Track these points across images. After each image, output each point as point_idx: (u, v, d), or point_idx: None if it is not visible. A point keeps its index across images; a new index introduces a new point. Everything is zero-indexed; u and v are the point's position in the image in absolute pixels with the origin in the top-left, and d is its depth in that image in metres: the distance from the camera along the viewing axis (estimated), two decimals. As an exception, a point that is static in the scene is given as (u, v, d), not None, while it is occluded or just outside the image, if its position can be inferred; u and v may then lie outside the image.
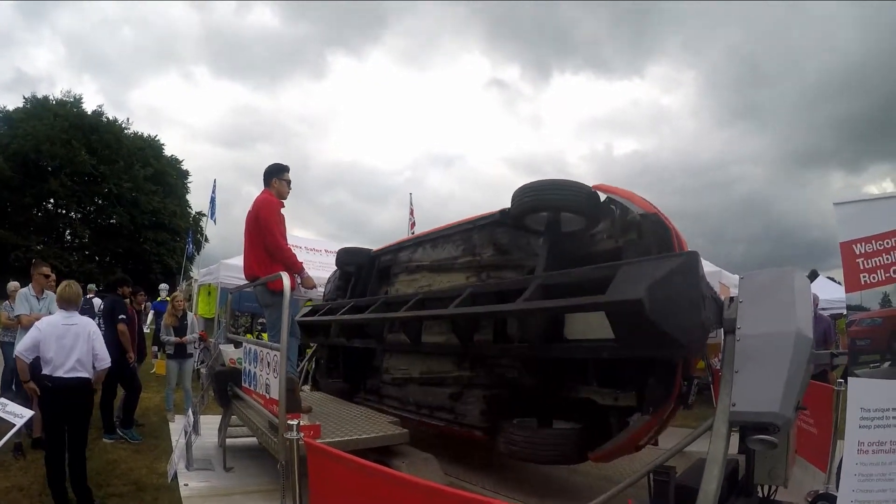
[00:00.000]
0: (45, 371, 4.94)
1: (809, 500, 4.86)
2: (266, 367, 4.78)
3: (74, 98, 42.10)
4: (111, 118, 43.36)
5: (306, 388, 8.10)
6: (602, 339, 3.72)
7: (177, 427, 7.62)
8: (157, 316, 12.98)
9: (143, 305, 11.31)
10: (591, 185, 4.30)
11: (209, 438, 6.93)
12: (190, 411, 6.48)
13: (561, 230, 4.49)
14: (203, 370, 10.42)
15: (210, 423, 7.27)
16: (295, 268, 5.53)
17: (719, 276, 9.61)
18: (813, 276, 18.19)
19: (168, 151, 46.75)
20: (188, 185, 47.64)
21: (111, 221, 41.53)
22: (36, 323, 5.29)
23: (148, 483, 5.76)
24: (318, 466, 3.25)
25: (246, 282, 6.17)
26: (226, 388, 6.35)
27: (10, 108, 39.57)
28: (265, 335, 7.76)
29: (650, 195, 4.09)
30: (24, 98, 40.57)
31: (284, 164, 5.95)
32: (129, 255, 41.30)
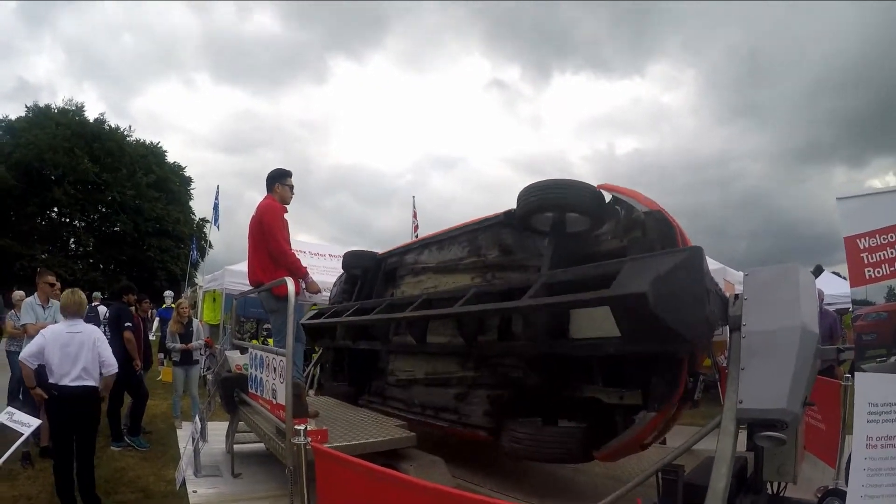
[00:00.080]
0: (51, 380, 4.95)
1: (819, 495, 4.83)
2: (272, 372, 4.78)
3: (76, 106, 42.25)
4: (113, 126, 43.52)
5: (312, 392, 8.10)
6: (607, 337, 3.72)
7: (184, 434, 7.63)
8: (163, 323, 12.99)
9: (148, 313, 11.33)
10: (595, 184, 4.31)
11: (217, 445, 6.94)
12: (197, 418, 6.49)
13: (566, 230, 4.50)
14: (209, 376, 10.42)
15: (217, 430, 7.28)
16: (299, 273, 5.53)
17: (723, 274, 9.59)
18: (818, 271, 18.18)
19: (170, 158, 46.92)
20: (191, 191, 47.76)
21: (115, 229, 41.62)
22: (41, 330, 5.31)
23: (156, 490, 5.77)
24: (326, 471, 3.25)
25: (251, 287, 6.18)
26: (232, 394, 6.36)
27: (13, 117, 39.73)
28: (271, 340, 7.77)
29: (652, 193, 4.11)
30: (27, 107, 40.73)
31: (287, 169, 5.96)
32: (134, 263, 41.37)
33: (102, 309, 10.21)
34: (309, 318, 7.68)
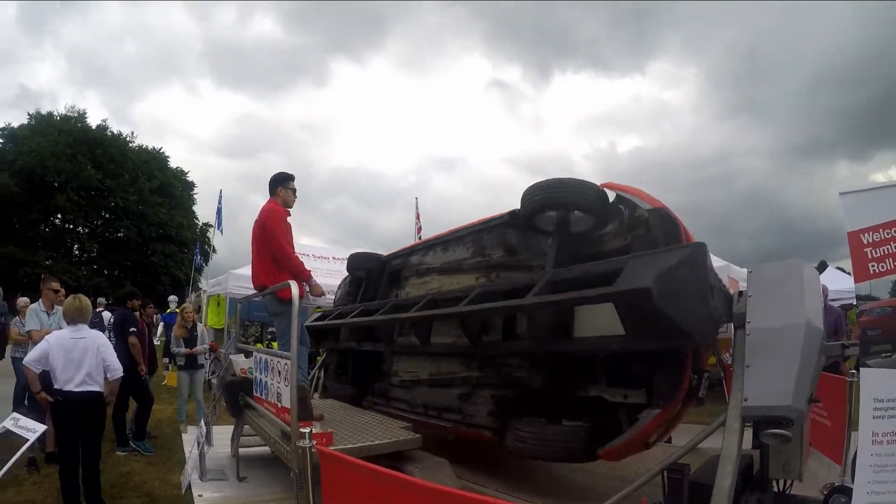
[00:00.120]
0: (56, 386, 4.97)
1: (825, 492, 4.81)
2: (277, 375, 4.79)
3: (78, 113, 42.47)
4: (115, 132, 43.80)
5: (317, 395, 8.10)
6: (611, 335, 3.72)
7: (189, 438, 7.64)
8: (167, 328, 13.02)
9: (152, 318, 11.36)
10: (598, 183, 4.32)
11: (222, 449, 6.94)
12: (202, 422, 6.50)
13: (570, 230, 4.50)
14: (214, 380, 10.45)
15: (222, 434, 7.28)
16: (303, 276, 5.54)
17: (727, 271, 9.56)
18: (822, 267, 18.04)
19: (173, 163, 47.08)
20: (194, 196, 47.92)
21: (119, 235, 41.78)
22: (46, 336, 5.33)
23: (162, 495, 5.78)
24: (331, 474, 3.25)
25: (254, 291, 6.18)
26: (237, 397, 6.37)
27: (15, 124, 39.91)
28: (275, 344, 7.78)
29: (653, 191, 4.11)
30: (29, 114, 40.96)
31: (289, 172, 5.97)
32: (138, 268, 41.47)
33: (107, 314, 10.23)
34: (314, 320, 7.69)
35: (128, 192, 40.57)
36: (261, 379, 5.43)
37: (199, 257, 28.59)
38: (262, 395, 5.40)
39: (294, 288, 4.47)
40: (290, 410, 4.16)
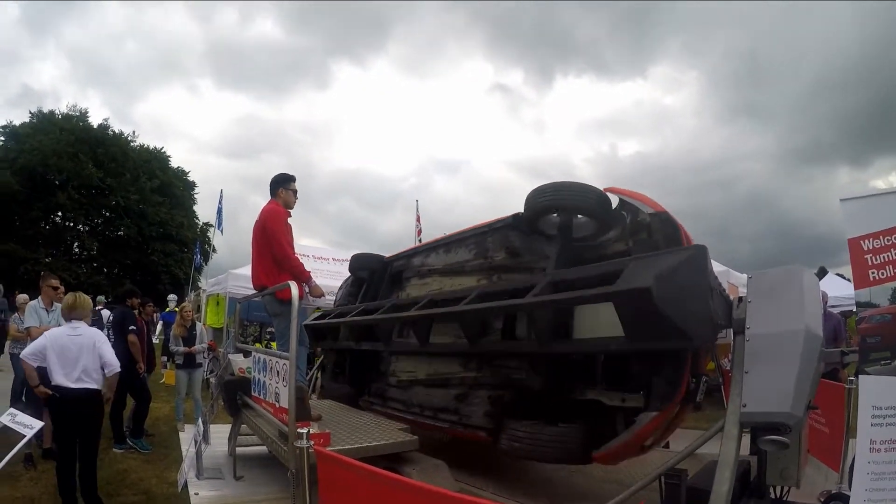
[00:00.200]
0: (53, 382, 4.97)
1: (822, 499, 4.82)
2: (275, 375, 4.78)
3: (80, 112, 42.48)
4: (117, 131, 43.83)
5: (315, 396, 8.10)
6: (610, 337, 3.72)
7: (187, 436, 7.63)
8: (166, 326, 13.01)
9: (152, 316, 11.35)
10: (601, 188, 4.33)
11: (219, 447, 6.94)
12: (200, 421, 6.50)
13: (572, 233, 4.52)
14: (212, 380, 10.44)
15: (220, 433, 7.28)
16: (302, 277, 5.53)
17: (727, 276, 9.55)
18: (821, 273, 18.15)
19: (174, 163, 47.09)
20: (195, 196, 47.91)
21: (119, 233, 41.78)
22: (45, 332, 5.34)
23: (158, 492, 5.78)
24: (328, 474, 3.25)
25: (254, 291, 6.18)
26: (235, 397, 6.36)
27: (17, 123, 39.90)
28: (274, 344, 7.78)
29: (654, 195, 4.12)
30: (31, 113, 40.96)
31: (290, 174, 5.97)
32: (138, 267, 41.46)
33: (106, 313, 10.24)
34: (313, 319, 7.69)
35: (129, 191, 40.58)
36: (259, 379, 5.43)
37: (198, 257, 28.59)
38: (260, 394, 5.39)
39: (294, 289, 4.46)
40: (288, 410, 4.15)
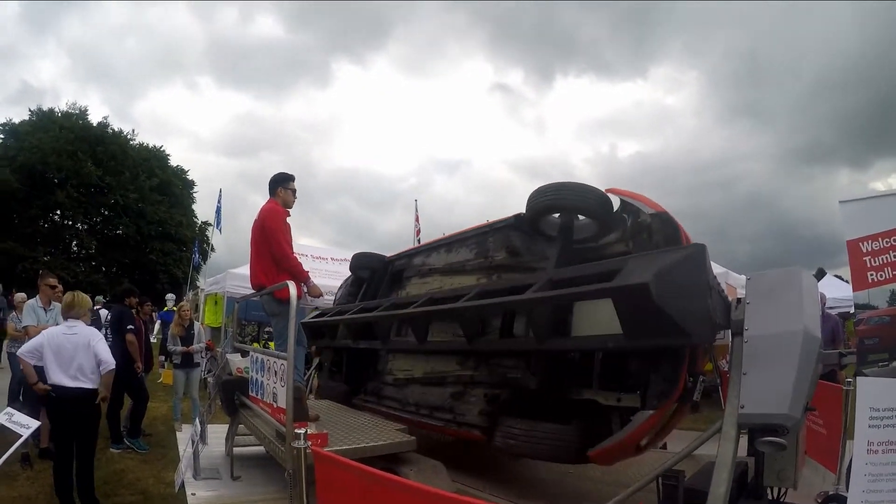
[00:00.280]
0: (49, 381, 4.96)
1: (819, 501, 4.82)
2: (273, 375, 4.78)
3: (80, 110, 42.44)
4: (116, 129, 43.77)
5: (312, 396, 8.10)
6: (608, 334, 3.72)
7: (184, 436, 7.62)
8: (164, 326, 12.99)
9: (149, 315, 11.32)
10: (602, 188, 4.34)
11: (216, 448, 6.93)
12: (197, 420, 6.49)
13: (573, 233, 4.54)
14: (210, 379, 10.44)
15: (217, 433, 7.27)
16: (301, 276, 5.53)
17: (726, 277, 9.55)
18: (820, 274, 18.16)
19: (173, 162, 47.07)
20: (194, 194, 47.90)
21: (117, 232, 41.75)
22: (43, 331, 5.34)
23: (155, 493, 5.77)
24: (325, 475, 3.24)
25: (252, 291, 6.17)
26: (233, 397, 6.35)
27: (17, 120, 39.86)
28: (272, 344, 7.77)
29: (654, 195, 4.13)
30: (30, 111, 40.91)
31: (290, 173, 5.96)
32: (136, 266, 41.45)
33: (104, 312, 10.22)
34: (312, 317, 7.70)
35: (128, 189, 40.56)
36: (257, 378, 5.42)
37: (197, 256, 28.55)
38: (257, 394, 5.39)
39: (292, 288, 4.46)
40: (286, 411, 4.15)
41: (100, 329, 6.56)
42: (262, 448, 5.94)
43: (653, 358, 3.63)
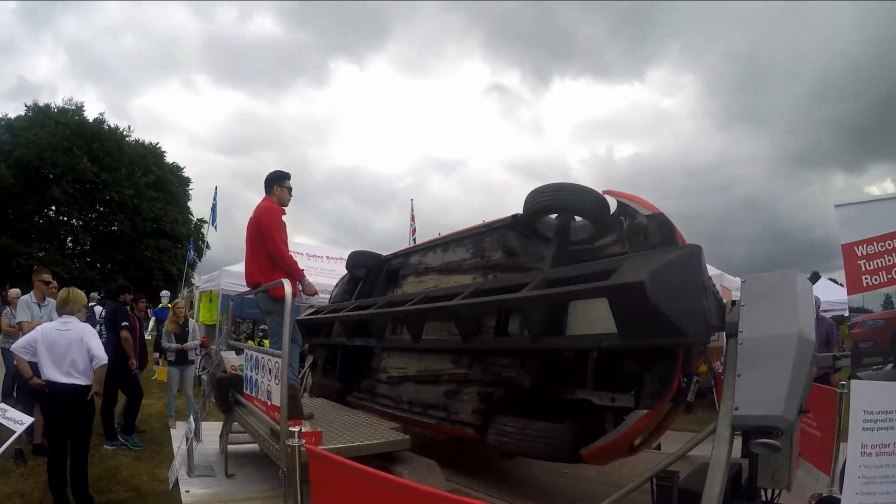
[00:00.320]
0: (43, 377, 4.96)
1: (813, 502, 4.84)
2: (268, 373, 4.78)
3: (76, 106, 42.30)
4: (112, 126, 43.54)
5: (307, 394, 8.09)
6: (603, 334, 3.72)
7: (178, 434, 7.61)
8: (159, 323, 12.99)
9: (144, 312, 11.31)
10: (599, 190, 4.35)
11: (211, 445, 6.92)
12: (191, 418, 6.47)
13: (570, 234, 4.56)
14: (204, 377, 10.42)
15: (211, 430, 7.25)
16: (296, 275, 5.53)
17: (721, 279, 9.56)
18: (815, 278, 18.20)
19: (169, 159, 46.91)
20: (189, 192, 47.78)
21: (113, 228, 41.60)
22: (37, 327, 5.33)
23: (149, 490, 5.76)
24: (319, 473, 3.24)
25: (247, 288, 6.17)
26: (227, 394, 6.35)
27: (13, 116, 39.78)
28: (266, 342, 7.76)
29: (650, 197, 4.13)
30: (26, 106, 40.76)
31: (285, 171, 5.96)
32: (131, 262, 41.35)
33: (99, 309, 10.20)
34: (307, 314, 7.69)
35: (123, 186, 40.42)
36: (251, 376, 5.42)
37: (192, 253, 28.47)
38: (252, 392, 5.38)
39: (287, 286, 4.46)
40: (280, 408, 4.15)
41: (94, 326, 6.56)
42: (256, 446, 5.93)
43: (647, 358, 3.64)
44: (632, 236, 4.11)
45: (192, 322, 9.54)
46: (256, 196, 6.15)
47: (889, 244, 3.50)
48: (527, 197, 4.53)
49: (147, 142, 45.92)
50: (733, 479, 3.69)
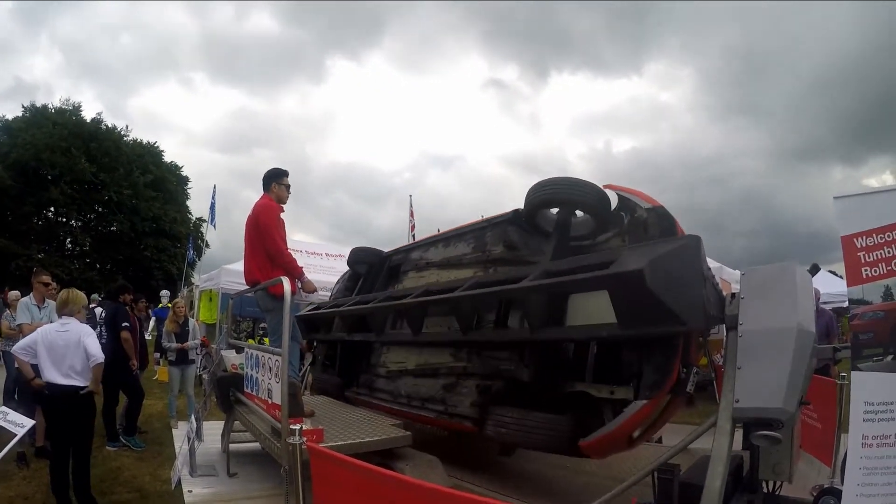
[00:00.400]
0: (44, 378, 4.96)
1: (814, 494, 4.84)
2: (268, 371, 4.78)
3: (73, 106, 42.15)
4: (110, 125, 43.38)
5: (308, 392, 8.09)
6: (602, 324, 3.72)
7: (180, 433, 7.62)
8: (159, 322, 12.97)
9: (144, 312, 11.29)
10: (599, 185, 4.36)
11: (212, 444, 6.92)
12: (193, 417, 6.48)
13: (570, 229, 4.57)
14: (205, 376, 10.42)
15: (213, 429, 7.25)
16: (295, 272, 5.52)
17: (720, 272, 9.55)
18: (814, 270, 18.20)
19: (167, 158, 46.76)
20: (188, 191, 47.65)
21: (112, 229, 41.53)
22: (38, 328, 5.33)
23: (152, 490, 5.76)
24: (321, 470, 3.24)
25: (247, 287, 6.17)
26: (228, 393, 6.34)
27: (10, 117, 39.65)
28: (267, 340, 7.76)
29: (648, 191, 4.16)
30: (24, 107, 40.61)
31: (283, 168, 5.95)
32: (130, 262, 41.29)
33: (100, 310, 10.20)
34: (307, 311, 7.70)
35: (121, 185, 40.33)
36: (252, 375, 5.42)
37: (191, 252, 28.45)
38: (252, 391, 5.38)
39: (286, 284, 4.45)
40: (281, 407, 4.15)
41: (95, 327, 6.55)
42: (257, 444, 5.93)
43: (646, 348, 3.65)
44: (632, 231, 4.12)
45: (192, 321, 9.53)
46: (255, 194, 6.15)
47: (888, 236, 3.49)
48: (528, 191, 4.55)
49: (145, 141, 45.85)
50: (734, 471, 3.70)
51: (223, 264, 13.71)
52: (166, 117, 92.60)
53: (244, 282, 6.18)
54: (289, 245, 5.76)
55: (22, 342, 5.13)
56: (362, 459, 3.08)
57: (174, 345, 8.71)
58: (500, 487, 4.75)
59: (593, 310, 3.82)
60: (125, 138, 43.90)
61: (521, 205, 4.82)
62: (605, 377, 4.00)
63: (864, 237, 3.57)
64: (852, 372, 3.53)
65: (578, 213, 4.60)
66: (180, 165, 47.68)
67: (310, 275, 5.96)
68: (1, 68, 62.44)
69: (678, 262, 3.37)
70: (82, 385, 5.02)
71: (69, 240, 41.90)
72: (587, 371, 4.18)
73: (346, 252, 8.09)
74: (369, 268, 7.43)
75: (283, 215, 5.75)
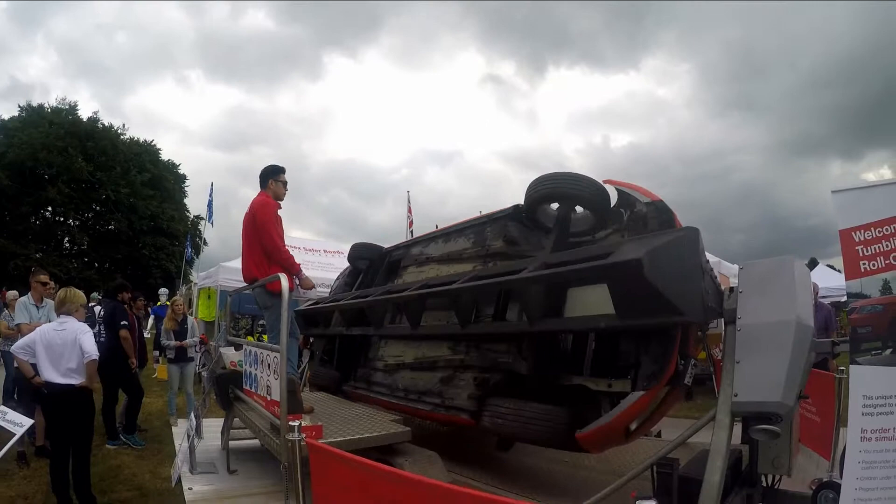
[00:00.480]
0: (43, 378, 4.95)
1: (813, 488, 4.84)
2: (266, 368, 4.78)
3: (69, 105, 42.07)
4: (107, 124, 43.29)
5: (306, 388, 8.09)
6: (600, 315, 3.72)
7: (180, 431, 7.63)
8: (158, 321, 12.97)
9: (143, 311, 11.28)
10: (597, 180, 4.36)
11: (212, 442, 6.93)
12: (192, 415, 6.48)
13: (570, 225, 4.57)
14: (204, 373, 10.43)
15: (213, 427, 7.27)
16: (293, 269, 5.53)
17: (718, 267, 9.57)
18: (812, 264, 18.24)
19: (164, 156, 46.66)
20: (186, 188, 47.58)
21: (109, 227, 41.51)
22: (37, 328, 5.32)
23: (152, 488, 5.76)
24: (320, 467, 3.24)
25: (245, 284, 6.17)
26: (227, 390, 6.35)
27: (6, 116, 39.60)
28: (265, 337, 7.76)
29: (647, 186, 4.15)
30: (20, 107, 40.58)
31: (281, 165, 5.95)
32: (129, 261, 41.25)
33: (99, 308, 10.19)
34: (306, 306, 7.71)
35: (119, 184, 40.28)
36: (250, 372, 5.42)
37: (189, 250, 28.45)
38: (251, 388, 5.38)
39: (284, 281, 4.46)
40: (280, 403, 4.15)
41: (94, 326, 6.55)
42: (257, 441, 5.94)
43: (644, 339, 3.65)
44: (632, 226, 4.12)
45: (190, 319, 9.54)
46: (252, 191, 6.16)
47: (886, 229, 3.49)
48: (528, 186, 4.55)
49: (142, 139, 45.74)
50: (734, 465, 3.70)
51: (221, 262, 13.71)
52: (163, 115, 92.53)
53: (242, 279, 6.18)
54: (286, 242, 5.76)
55: (21, 342, 5.13)
56: (362, 455, 3.08)
57: (173, 343, 8.72)
58: (500, 482, 4.74)
59: (591, 302, 3.83)
60: (122, 137, 43.80)
61: (518, 200, 4.82)
62: (604, 370, 4.00)
63: (863, 231, 3.57)
64: (851, 366, 3.53)
65: (578, 208, 4.60)
66: (178, 163, 47.72)
67: (307, 271, 5.96)
68: (-3, 68, 62.18)
69: (676, 252, 3.37)
70: (80, 383, 5.02)
71: (67, 239, 41.86)
72: (585, 364, 4.18)
73: (344, 249, 8.09)
74: (369, 263, 7.44)
75: (280, 212, 5.75)
